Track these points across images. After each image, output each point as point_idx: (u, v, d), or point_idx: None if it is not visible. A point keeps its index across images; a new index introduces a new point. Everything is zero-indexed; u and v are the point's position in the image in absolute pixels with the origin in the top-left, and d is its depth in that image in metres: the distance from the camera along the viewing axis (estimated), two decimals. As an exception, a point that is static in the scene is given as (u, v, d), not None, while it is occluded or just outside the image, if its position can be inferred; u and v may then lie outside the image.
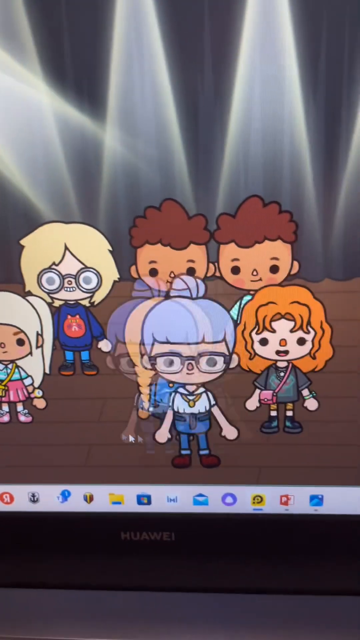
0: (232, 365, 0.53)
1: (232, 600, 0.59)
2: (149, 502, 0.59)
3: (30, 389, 0.56)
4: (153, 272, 0.51)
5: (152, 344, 0.53)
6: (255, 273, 0.50)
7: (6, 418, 0.57)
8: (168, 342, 0.52)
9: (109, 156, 0.47)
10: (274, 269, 0.50)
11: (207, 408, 0.55)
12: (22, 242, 0.51)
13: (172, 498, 0.59)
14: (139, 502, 0.59)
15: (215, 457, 0.57)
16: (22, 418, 0.57)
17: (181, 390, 0.55)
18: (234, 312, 0.52)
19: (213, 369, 0.53)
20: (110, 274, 0.52)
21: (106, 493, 0.59)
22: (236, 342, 0.53)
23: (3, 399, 0.56)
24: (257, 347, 0.53)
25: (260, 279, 0.51)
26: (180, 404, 0.55)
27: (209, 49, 0.44)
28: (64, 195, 0.49)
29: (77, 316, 0.53)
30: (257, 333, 0.52)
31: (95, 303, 0.53)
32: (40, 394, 0.56)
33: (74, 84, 0.46)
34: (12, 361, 0.55)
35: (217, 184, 0.48)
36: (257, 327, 0.52)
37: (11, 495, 0.60)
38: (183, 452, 0.57)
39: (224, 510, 0.59)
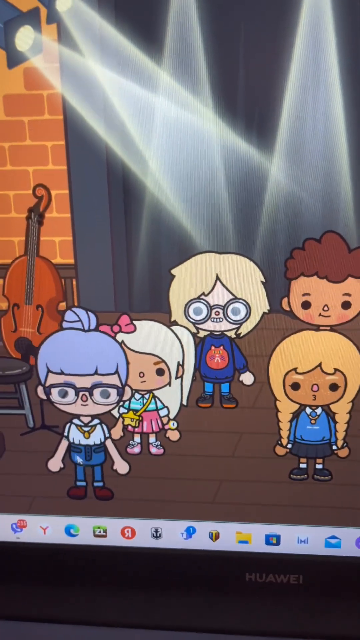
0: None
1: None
2: (277, 543, 0.57)
3: (165, 420, 0.55)
4: (305, 305, 0.50)
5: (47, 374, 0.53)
6: None
7: (137, 449, 0.56)
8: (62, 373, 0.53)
9: (273, 188, 0.47)
10: None
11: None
12: (173, 271, 0.50)
13: (303, 539, 0.57)
14: (267, 542, 0.57)
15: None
16: (153, 450, 0.56)
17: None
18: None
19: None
20: (261, 305, 0.51)
21: (233, 531, 0.57)
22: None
23: (136, 429, 0.56)
24: None
25: None
26: None
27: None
28: (221, 226, 0.49)
29: (222, 347, 0.52)
30: None
31: (242, 335, 0.52)
32: (175, 425, 0.55)
33: (245, 115, 0.46)
34: (150, 391, 0.54)
35: (383, 218, 0.47)
36: None
37: (133, 530, 0.59)
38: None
39: (357, 554, 0.57)
